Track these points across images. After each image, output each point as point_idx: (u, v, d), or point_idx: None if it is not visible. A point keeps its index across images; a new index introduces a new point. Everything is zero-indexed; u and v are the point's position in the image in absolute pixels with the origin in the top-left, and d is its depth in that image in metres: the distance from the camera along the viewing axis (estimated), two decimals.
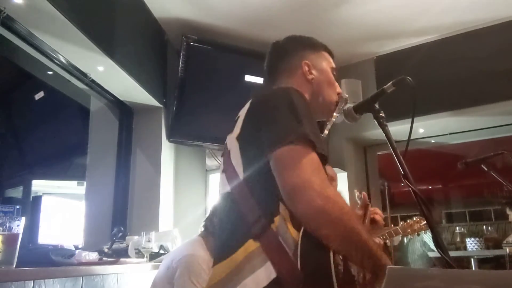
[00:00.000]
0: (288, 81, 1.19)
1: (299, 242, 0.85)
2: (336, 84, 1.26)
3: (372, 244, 0.89)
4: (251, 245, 0.89)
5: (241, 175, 0.97)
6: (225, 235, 0.99)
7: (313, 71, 1.22)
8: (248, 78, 3.12)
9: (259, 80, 3.07)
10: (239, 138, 1.01)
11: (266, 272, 0.85)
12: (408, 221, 2.23)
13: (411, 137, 1.24)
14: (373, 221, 1.59)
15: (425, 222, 2.14)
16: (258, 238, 0.89)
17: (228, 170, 1.02)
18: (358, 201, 1.73)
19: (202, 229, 1.89)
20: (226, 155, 1.06)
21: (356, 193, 1.88)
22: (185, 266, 1.69)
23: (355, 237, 0.86)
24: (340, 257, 0.88)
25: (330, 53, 1.31)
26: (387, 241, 2.24)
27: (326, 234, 0.85)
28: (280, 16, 3.02)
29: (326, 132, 1.21)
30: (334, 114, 1.24)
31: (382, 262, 0.88)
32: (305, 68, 1.21)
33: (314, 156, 0.89)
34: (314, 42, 1.31)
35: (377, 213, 1.63)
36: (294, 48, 1.27)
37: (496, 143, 3.88)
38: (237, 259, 0.90)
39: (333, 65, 1.28)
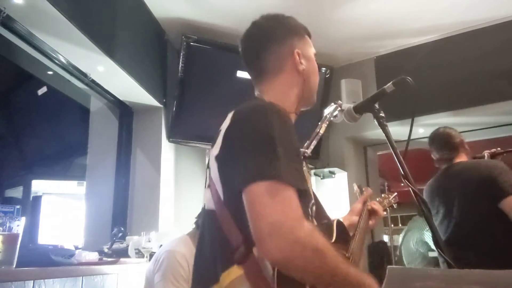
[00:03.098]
0: (278, 76, 1.08)
1: (275, 274, 0.82)
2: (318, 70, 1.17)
3: (354, 274, 0.85)
4: (235, 271, 0.85)
5: (222, 196, 0.92)
6: (208, 255, 0.93)
7: (303, 61, 1.10)
8: (240, 74, 3.12)
9: None
10: (217, 158, 0.93)
11: None
12: (378, 199, 2.21)
13: (411, 137, 1.24)
14: (372, 213, 1.57)
15: (394, 195, 2.13)
16: (242, 264, 0.84)
17: (211, 187, 0.95)
18: (358, 196, 1.72)
19: (194, 226, 1.91)
20: (209, 170, 0.99)
21: (355, 187, 1.86)
22: (163, 261, 1.75)
23: (331, 276, 0.80)
24: None
25: (310, 36, 1.19)
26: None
27: (300, 277, 0.80)
28: None
29: (311, 148, 1.17)
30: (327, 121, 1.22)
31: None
32: (297, 58, 1.09)
33: (287, 193, 0.80)
34: (298, 25, 1.18)
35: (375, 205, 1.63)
36: (282, 34, 1.11)
37: (496, 143, 3.88)
38: (221, 285, 0.85)
39: (315, 50, 1.17)
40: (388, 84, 1.19)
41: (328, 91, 3.58)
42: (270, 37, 1.10)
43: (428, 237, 4.11)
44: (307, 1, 2.88)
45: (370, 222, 1.56)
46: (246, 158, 0.85)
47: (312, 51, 1.15)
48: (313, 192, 1.09)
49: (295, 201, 0.80)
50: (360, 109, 1.26)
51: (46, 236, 2.32)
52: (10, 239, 1.41)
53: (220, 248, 0.90)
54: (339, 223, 1.14)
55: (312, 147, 1.15)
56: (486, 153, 2.34)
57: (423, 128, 3.61)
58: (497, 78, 3.11)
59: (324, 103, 3.58)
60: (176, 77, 3.06)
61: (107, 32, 2.42)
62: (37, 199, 2.46)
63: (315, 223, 0.99)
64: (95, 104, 3.22)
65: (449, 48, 3.35)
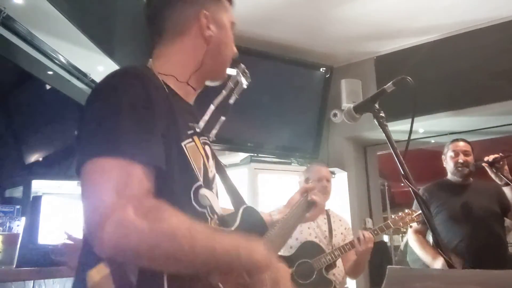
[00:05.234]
0: (177, 38, 0.94)
1: (137, 268, 0.70)
2: (233, 42, 1.02)
3: (223, 246, 0.72)
4: (101, 270, 0.70)
5: None
6: (80, 257, 0.79)
7: (212, 26, 0.94)
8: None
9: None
10: (75, 140, 0.79)
11: None
12: (400, 214, 2.23)
13: (411, 137, 1.24)
14: (312, 205, 1.41)
15: (417, 213, 2.14)
16: (107, 262, 0.69)
17: None
18: (299, 185, 1.65)
19: None
20: None
21: (301, 178, 1.81)
22: None
23: (192, 256, 0.68)
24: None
25: (231, 2, 1.03)
26: (380, 234, 2.25)
27: (151, 266, 0.67)
28: (280, 15, 3.02)
29: (202, 123, 0.97)
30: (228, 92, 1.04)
31: (247, 261, 0.75)
32: (204, 21, 0.93)
33: (126, 170, 0.67)
34: None
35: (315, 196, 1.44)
36: None
37: (496, 143, 3.88)
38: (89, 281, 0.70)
39: (234, 19, 1.02)
40: (388, 84, 1.20)
41: (328, 91, 3.58)
42: None
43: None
44: (307, 1, 2.88)
45: (308, 214, 1.41)
46: (86, 134, 0.73)
47: (228, 19, 0.99)
48: (222, 179, 0.98)
49: (138, 179, 0.68)
50: (360, 109, 1.26)
51: (46, 236, 2.31)
52: (10, 239, 1.40)
53: (89, 244, 0.76)
54: (248, 209, 0.98)
55: (205, 120, 0.98)
56: (485, 164, 2.35)
57: (423, 128, 3.61)
58: (497, 78, 3.11)
59: (324, 103, 3.58)
60: None
61: (107, 32, 2.42)
62: (37, 199, 2.46)
63: (199, 208, 0.83)
64: None
65: (449, 48, 3.35)
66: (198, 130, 0.92)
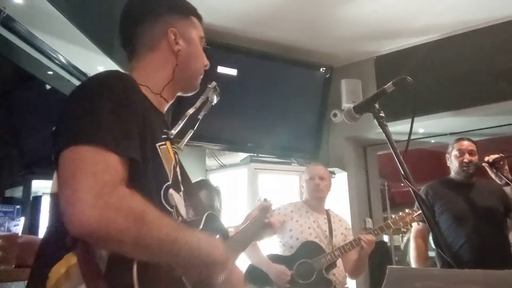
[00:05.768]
0: (149, 53, 1.00)
1: (107, 256, 0.72)
2: (203, 54, 1.08)
3: (186, 239, 0.77)
4: (69, 260, 0.72)
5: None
6: (42, 248, 0.81)
7: (180, 41, 1.01)
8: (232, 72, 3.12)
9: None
10: (52, 133, 0.82)
11: None
12: (400, 213, 2.22)
13: (411, 137, 1.24)
14: (268, 225, 1.46)
15: (418, 213, 2.14)
16: (75, 250, 0.73)
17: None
18: (257, 203, 1.66)
19: None
20: None
21: (260, 197, 1.81)
22: None
23: (157, 245, 0.72)
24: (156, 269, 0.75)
25: (200, 18, 1.09)
26: (383, 235, 2.25)
27: (120, 250, 0.70)
28: (280, 15, 3.02)
29: (176, 129, 1.02)
30: (209, 97, 1.12)
31: (206, 255, 0.80)
32: (171, 38, 1.00)
33: (104, 159, 0.71)
34: (184, 5, 1.07)
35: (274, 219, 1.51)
36: (158, 9, 1.02)
37: (496, 143, 3.88)
38: (51, 280, 0.73)
39: (202, 33, 1.08)
40: (388, 84, 1.20)
41: (328, 91, 3.58)
42: (147, 12, 1.02)
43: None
44: (307, 0, 2.88)
45: (263, 234, 1.41)
46: (67, 123, 0.77)
47: (196, 34, 1.06)
48: (186, 183, 1.03)
49: (114, 167, 0.72)
50: (360, 109, 1.26)
51: None
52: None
53: (56, 234, 0.78)
54: (211, 216, 1.03)
55: (178, 128, 1.03)
56: (485, 164, 2.36)
57: (423, 128, 3.61)
58: (497, 78, 3.11)
59: (324, 103, 3.59)
60: None
61: (107, 32, 2.42)
62: (37, 199, 2.47)
63: (167, 207, 0.88)
64: None
65: (449, 48, 3.35)
66: (170, 137, 0.97)
